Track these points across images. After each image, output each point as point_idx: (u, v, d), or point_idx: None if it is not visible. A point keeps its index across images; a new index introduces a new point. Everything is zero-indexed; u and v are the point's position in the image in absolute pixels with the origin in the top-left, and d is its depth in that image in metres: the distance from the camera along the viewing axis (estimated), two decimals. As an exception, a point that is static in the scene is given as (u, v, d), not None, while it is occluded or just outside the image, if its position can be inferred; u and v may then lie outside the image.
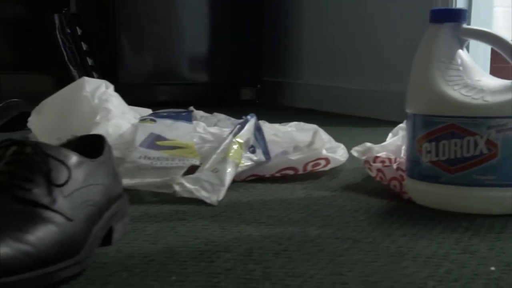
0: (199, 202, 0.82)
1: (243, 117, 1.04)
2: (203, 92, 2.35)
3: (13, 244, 0.49)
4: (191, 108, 1.25)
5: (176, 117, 1.01)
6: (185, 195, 0.84)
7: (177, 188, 0.84)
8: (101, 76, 2.08)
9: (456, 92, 0.77)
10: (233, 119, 1.24)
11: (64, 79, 2.10)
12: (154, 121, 0.99)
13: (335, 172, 1.04)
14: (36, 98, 1.53)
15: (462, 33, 0.81)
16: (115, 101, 1.06)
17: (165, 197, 0.85)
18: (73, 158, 0.59)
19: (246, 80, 2.41)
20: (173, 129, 0.96)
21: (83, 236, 0.56)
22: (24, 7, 2.30)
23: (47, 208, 0.54)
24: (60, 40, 2.01)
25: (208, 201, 0.82)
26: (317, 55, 2.29)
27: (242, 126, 0.98)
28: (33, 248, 0.50)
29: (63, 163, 0.57)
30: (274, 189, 0.93)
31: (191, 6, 2.33)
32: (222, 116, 1.25)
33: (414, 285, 0.53)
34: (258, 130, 1.00)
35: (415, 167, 0.81)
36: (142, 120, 1.00)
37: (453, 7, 1.70)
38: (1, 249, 0.48)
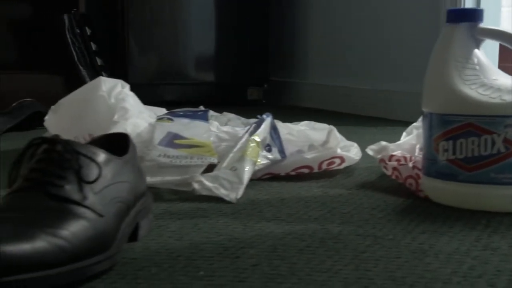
0: (218, 199, 0.84)
1: (258, 116, 1.05)
2: (210, 92, 2.36)
3: (49, 239, 0.50)
4: (201, 107, 1.27)
5: (192, 116, 1.03)
6: (204, 193, 0.85)
7: (196, 186, 0.85)
8: (110, 76, 2.09)
9: (473, 91, 0.78)
10: (243, 119, 1.25)
11: (73, 79, 2.11)
12: (171, 120, 1.00)
13: (349, 170, 1.06)
14: (45, 98, 1.55)
15: (478, 32, 0.82)
16: (132, 101, 1.07)
17: (184, 195, 0.86)
18: (102, 156, 0.60)
19: (253, 80, 2.42)
20: (190, 128, 0.98)
21: (113, 232, 0.57)
22: (32, 7, 2.31)
23: (79, 204, 0.55)
24: (69, 40, 2.02)
25: (227, 198, 0.83)
26: (324, 54, 2.30)
27: (258, 125, 0.99)
28: (68, 243, 0.51)
29: (93, 160, 0.58)
30: (291, 187, 0.94)
31: (198, 6, 2.34)
32: (231, 115, 1.26)
33: (439, 281, 0.54)
34: (274, 129, 1.01)
35: (432, 166, 0.82)
36: (159, 119, 1.01)
37: (462, 7, 1.71)
38: (37, 243, 0.49)
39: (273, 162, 0.98)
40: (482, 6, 1.74)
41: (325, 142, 1.04)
